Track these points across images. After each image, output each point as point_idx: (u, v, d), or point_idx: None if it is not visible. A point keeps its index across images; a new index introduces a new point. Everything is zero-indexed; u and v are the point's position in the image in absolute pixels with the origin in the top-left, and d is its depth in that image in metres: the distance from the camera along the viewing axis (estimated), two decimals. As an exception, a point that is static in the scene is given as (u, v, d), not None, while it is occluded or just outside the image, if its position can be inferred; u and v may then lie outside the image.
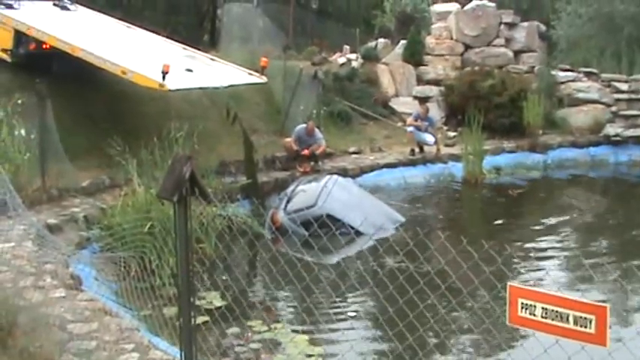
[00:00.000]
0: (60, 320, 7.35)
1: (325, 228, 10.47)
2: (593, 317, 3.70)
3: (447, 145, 20.85)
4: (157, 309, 8.49)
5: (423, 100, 22.99)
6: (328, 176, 15.65)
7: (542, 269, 12.11)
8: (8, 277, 8.61)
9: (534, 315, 3.87)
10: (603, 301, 3.92)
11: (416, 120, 19.99)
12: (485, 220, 16.51)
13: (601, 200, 18.32)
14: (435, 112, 23.20)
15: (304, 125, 17.90)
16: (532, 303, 3.87)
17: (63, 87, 15.50)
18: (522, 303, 3.90)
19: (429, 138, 19.92)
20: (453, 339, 8.84)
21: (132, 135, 14.36)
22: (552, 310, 3.81)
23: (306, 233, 12.00)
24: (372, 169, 18.63)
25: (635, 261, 12.58)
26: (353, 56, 24.84)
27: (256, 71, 17.05)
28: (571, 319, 3.76)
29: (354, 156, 19.29)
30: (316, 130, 17.90)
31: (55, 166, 13.76)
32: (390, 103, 23.20)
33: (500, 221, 15.79)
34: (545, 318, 3.84)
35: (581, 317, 3.73)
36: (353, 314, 9.95)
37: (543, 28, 25.49)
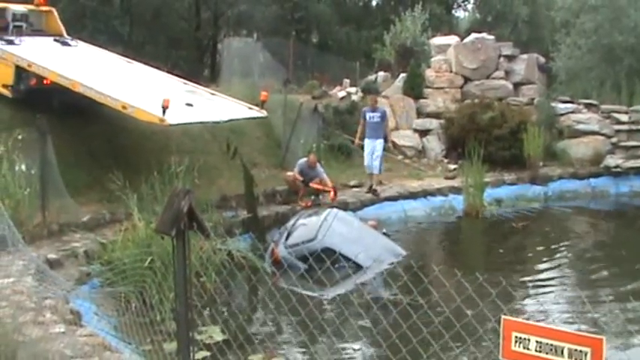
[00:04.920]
0: (60, 356, 7.32)
1: (325, 262, 10.48)
2: (588, 350, 3.68)
3: (447, 178, 20.86)
4: (157, 344, 8.46)
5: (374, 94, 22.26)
6: (329, 210, 15.64)
7: (542, 301, 12.09)
8: (8, 313, 8.57)
9: (528, 349, 3.84)
10: (600, 333, 3.90)
11: (364, 120, 19.37)
12: (485, 252, 16.47)
13: (602, 231, 18.28)
14: (436, 144, 23.27)
15: (306, 159, 17.87)
16: (526, 336, 3.85)
17: (63, 122, 15.55)
18: (516, 337, 3.87)
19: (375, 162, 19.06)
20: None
21: (132, 170, 14.38)
22: (547, 344, 3.79)
23: (306, 267, 11.99)
24: (373, 202, 18.58)
25: (637, 292, 12.54)
26: (353, 90, 24.90)
27: (256, 105, 17.06)
28: (566, 352, 3.73)
29: (354, 189, 19.24)
30: (317, 163, 17.87)
31: (56, 201, 13.77)
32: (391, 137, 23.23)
33: (500, 251, 15.80)
34: (540, 352, 3.81)
35: (576, 350, 3.70)
36: (356, 347, 9.92)
37: (543, 60, 25.59)
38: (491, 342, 4.50)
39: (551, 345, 3.77)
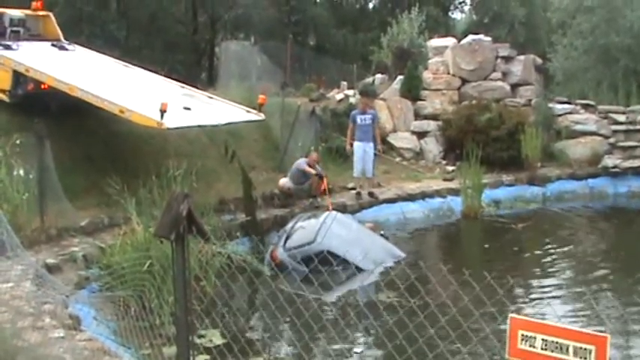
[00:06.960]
0: (59, 361, 7.31)
1: (325, 264, 10.46)
2: (593, 348, 3.72)
3: (445, 180, 20.82)
4: (157, 348, 8.44)
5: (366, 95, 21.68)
6: (327, 212, 15.62)
7: (545, 301, 12.08)
8: (7, 318, 8.55)
9: (534, 347, 3.86)
10: (603, 332, 3.90)
11: (354, 123, 19.11)
12: (485, 253, 16.44)
13: (601, 232, 18.27)
14: (434, 146, 23.25)
15: (304, 159, 17.76)
16: (532, 335, 3.87)
17: (61, 127, 15.54)
18: (523, 335, 3.90)
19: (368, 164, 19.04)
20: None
21: (130, 174, 14.37)
22: (552, 342, 3.82)
23: (306, 269, 11.96)
24: (371, 204, 18.56)
25: (636, 292, 12.54)
26: (350, 92, 24.89)
27: (254, 108, 17.06)
28: (571, 350, 3.76)
29: (352, 192, 19.20)
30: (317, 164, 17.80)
31: (54, 206, 13.76)
32: (388, 139, 23.20)
33: (500, 253, 15.79)
34: (545, 350, 3.85)
35: (581, 348, 3.74)
36: (358, 351, 9.91)
37: (540, 61, 25.56)
38: (498, 341, 4.49)
39: (557, 343, 3.80)
